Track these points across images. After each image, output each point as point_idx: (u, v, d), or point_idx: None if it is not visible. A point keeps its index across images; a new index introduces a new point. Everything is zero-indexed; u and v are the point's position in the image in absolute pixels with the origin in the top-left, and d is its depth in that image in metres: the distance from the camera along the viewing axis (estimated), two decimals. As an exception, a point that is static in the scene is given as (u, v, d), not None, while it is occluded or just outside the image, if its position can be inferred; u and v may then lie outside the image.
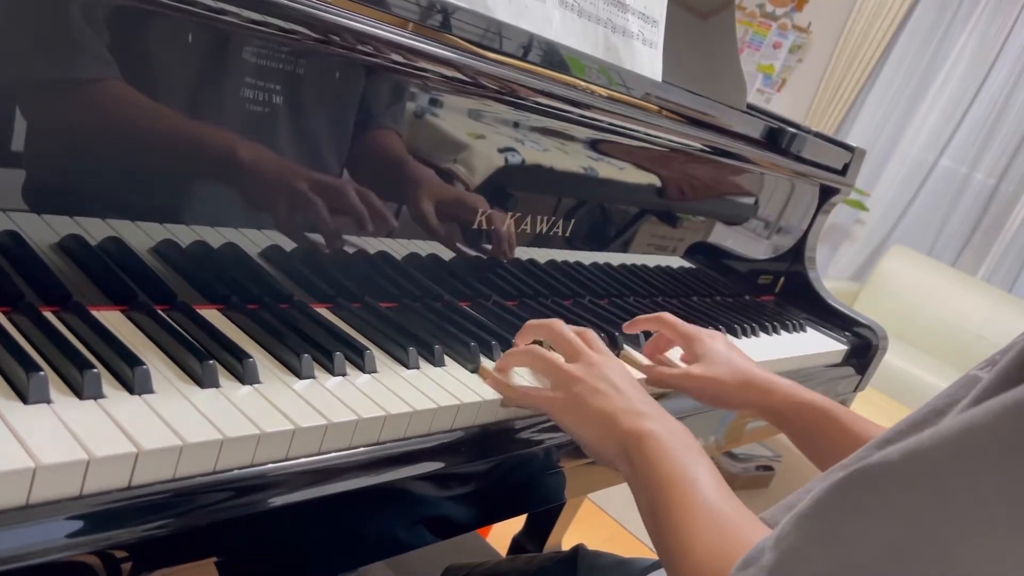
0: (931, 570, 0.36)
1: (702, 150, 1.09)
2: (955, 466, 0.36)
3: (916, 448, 0.37)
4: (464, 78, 0.76)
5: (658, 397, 0.79)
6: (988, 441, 0.35)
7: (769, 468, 2.59)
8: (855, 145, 1.38)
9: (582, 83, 0.88)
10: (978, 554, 0.35)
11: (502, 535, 1.65)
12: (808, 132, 1.28)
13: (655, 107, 0.99)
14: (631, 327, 0.93)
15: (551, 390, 0.71)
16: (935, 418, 0.45)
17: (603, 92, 0.90)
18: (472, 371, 0.75)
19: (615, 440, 0.65)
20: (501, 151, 0.88)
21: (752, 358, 0.89)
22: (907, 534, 0.37)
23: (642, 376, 0.87)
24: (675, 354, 0.93)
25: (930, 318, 3.58)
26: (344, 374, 0.65)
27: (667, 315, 0.91)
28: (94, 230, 0.62)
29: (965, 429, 0.35)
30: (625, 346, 0.94)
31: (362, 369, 0.67)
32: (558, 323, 0.76)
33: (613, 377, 0.70)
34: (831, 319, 1.39)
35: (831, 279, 3.96)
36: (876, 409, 2.45)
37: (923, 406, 0.45)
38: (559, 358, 0.72)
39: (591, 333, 0.76)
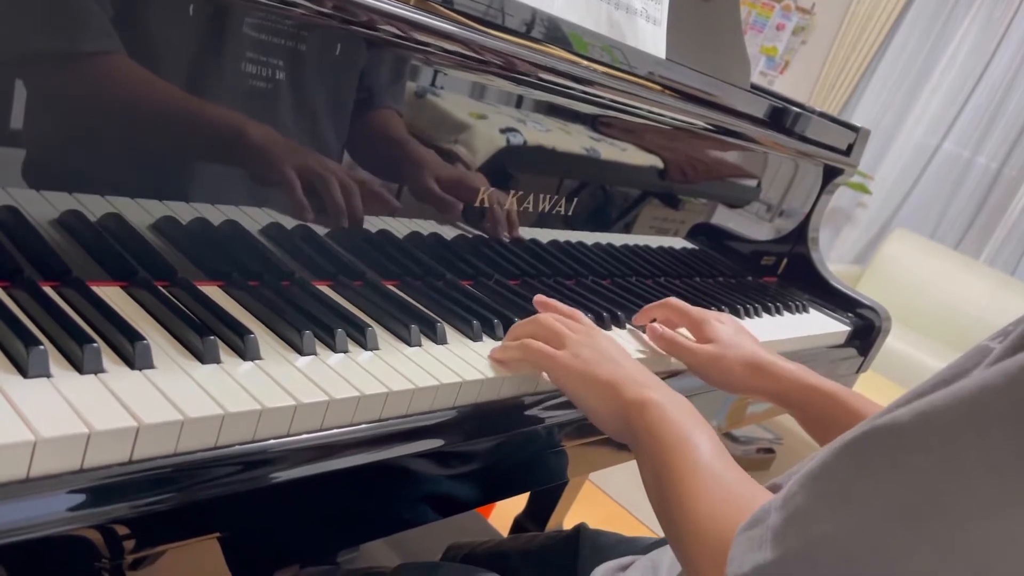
0: (939, 532, 0.36)
1: (706, 129, 1.09)
2: (966, 427, 0.35)
3: (927, 409, 0.37)
4: (466, 53, 0.76)
5: (665, 379, 0.79)
6: (1000, 402, 0.34)
7: (770, 451, 2.59)
8: (860, 125, 1.37)
9: (584, 60, 0.87)
10: (988, 517, 0.35)
11: (504, 515, 1.66)
12: (813, 112, 1.27)
13: (658, 85, 0.98)
14: (641, 318, 0.92)
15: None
16: (944, 388, 0.45)
17: (606, 69, 0.90)
18: (474, 344, 0.74)
19: (618, 408, 0.65)
20: (503, 131, 0.87)
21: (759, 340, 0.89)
22: (916, 496, 0.36)
23: (642, 355, 0.87)
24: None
25: (932, 302, 3.57)
26: (346, 351, 0.65)
27: (673, 300, 0.91)
28: (93, 207, 0.61)
29: (977, 390, 0.35)
30: (628, 325, 0.94)
31: (364, 346, 0.67)
32: (543, 316, 0.76)
33: (609, 350, 0.70)
34: (834, 300, 1.38)
35: (833, 262, 3.94)
36: (877, 392, 2.44)
37: (932, 377, 0.44)
38: (552, 350, 0.71)
39: (579, 315, 0.77)
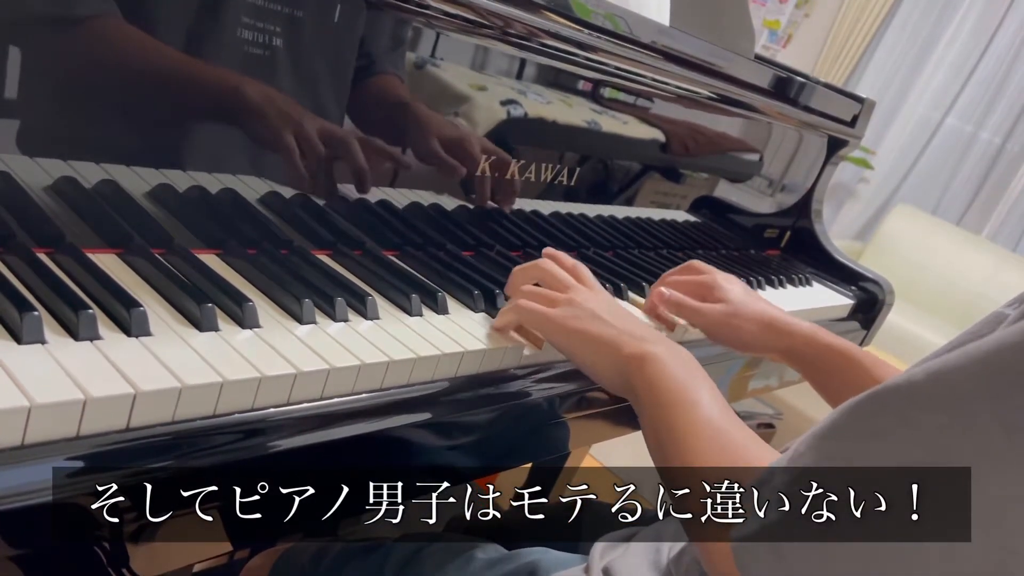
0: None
1: (710, 97, 1.07)
2: (982, 386, 0.34)
3: (940, 368, 0.36)
4: (468, 16, 0.74)
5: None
6: (1017, 359, 0.33)
7: (770, 426, 2.59)
8: (864, 96, 1.35)
9: (587, 28, 0.86)
10: (1001, 474, 0.34)
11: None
12: (817, 82, 1.25)
13: (662, 53, 0.96)
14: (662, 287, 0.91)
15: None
16: None
17: (608, 36, 0.88)
18: (476, 314, 0.74)
19: (617, 364, 0.64)
20: (504, 102, 0.86)
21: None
22: (929, 455, 0.36)
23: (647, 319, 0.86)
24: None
25: (934, 277, 3.56)
26: (346, 320, 0.64)
27: (696, 262, 0.91)
28: (88, 174, 0.60)
29: (993, 349, 0.34)
30: (630, 294, 0.93)
31: (364, 315, 0.66)
32: (545, 262, 0.74)
33: (607, 307, 0.69)
34: (838, 273, 1.38)
35: (835, 238, 3.92)
36: (878, 367, 2.44)
37: (946, 344, 0.43)
38: (547, 309, 0.70)
39: (583, 269, 0.75)
